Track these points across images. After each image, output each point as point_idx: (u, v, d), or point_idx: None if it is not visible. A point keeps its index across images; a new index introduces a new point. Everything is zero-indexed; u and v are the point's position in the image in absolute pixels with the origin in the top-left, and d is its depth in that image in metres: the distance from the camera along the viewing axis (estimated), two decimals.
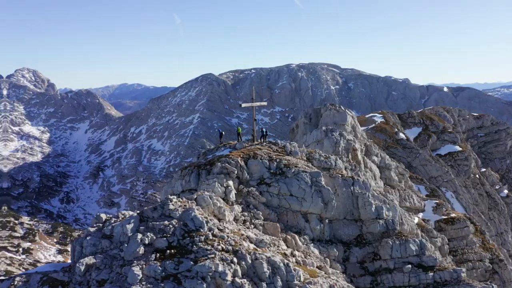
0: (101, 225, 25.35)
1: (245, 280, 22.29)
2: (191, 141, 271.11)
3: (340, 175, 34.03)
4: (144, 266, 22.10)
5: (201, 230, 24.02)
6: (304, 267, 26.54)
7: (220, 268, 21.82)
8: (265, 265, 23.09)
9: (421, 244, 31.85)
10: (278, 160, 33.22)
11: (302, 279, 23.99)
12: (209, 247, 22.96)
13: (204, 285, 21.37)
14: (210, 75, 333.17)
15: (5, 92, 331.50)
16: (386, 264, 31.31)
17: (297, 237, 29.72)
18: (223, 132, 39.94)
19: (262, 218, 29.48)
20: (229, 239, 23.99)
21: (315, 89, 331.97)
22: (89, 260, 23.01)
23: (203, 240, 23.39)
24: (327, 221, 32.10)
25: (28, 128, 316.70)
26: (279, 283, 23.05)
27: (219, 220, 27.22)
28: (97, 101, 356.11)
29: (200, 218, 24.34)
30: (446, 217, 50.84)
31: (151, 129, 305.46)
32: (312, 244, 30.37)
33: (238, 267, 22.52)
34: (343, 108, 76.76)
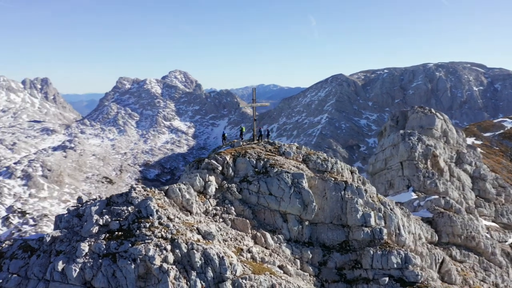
0: (80, 205, 29.24)
1: (173, 266, 24.35)
2: (318, 140, 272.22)
3: (333, 179, 33.74)
4: (92, 243, 25.36)
5: (150, 217, 26.55)
6: (256, 264, 27.56)
7: (151, 253, 24.18)
8: (198, 255, 24.83)
9: (406, 258, 30.36)
10: (266, 159, 34.16)
11: (238, 273, 25.22)
12: (149, 233, 25.43)
13: (133, 266, 23.95)
14: (340, 75, 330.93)
15: (160, 91, 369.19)
16: (366, 273, 30.50)
17: (268, 235, 30.60)
18: (226, 134, 41.69)
19: (235, 213, 30.92)
20: (173, 228, 26.13)
21: (455, 90, 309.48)
22: (56, 233, 27.05)
23: (147, 226, 25.91)
24: (307, 223, 32.20)
25: (177, 123, 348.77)
26: (210, 273, 24.65)
27: (187, 211, 29.51)
28: (235, 100, 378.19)
29: (152, 207, 26.89)
30: None
31: (281, 128, 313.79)
32: (285, 244, 30.95)
33: (170, 254, 24.61)
34: (433, 111, 72.69)
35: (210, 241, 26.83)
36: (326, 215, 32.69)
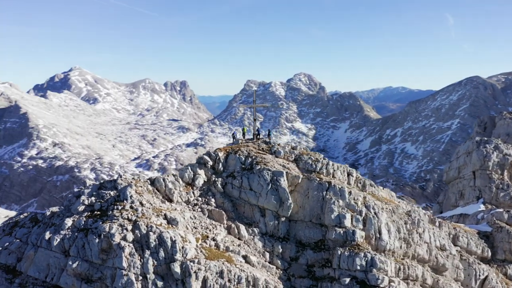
0: (82, 187, 34.33)
1: (130, 244, 28.17)
2: (446, 147, 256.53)
3: (318, 179, 34.56)
4: (76, 219, 30.17)
5: (125, 201, 30.62)
6: (216, 251, 30.09)
7: (113, 231, 28.27)
8: (153, 237, 28.31)
9: (371, 261, 30.31)
10: (254, 157, 36.03)
11: (189, 256, 28.20)
12: (118, 214, 29.52)
13: (97, 240, 28.22)
14: (476, 77, 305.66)
15: (283, 93, 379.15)
16: (334, 273, 31.11)
17: (242, 227, 32.78)
18: (236, 134, 43.79)
19: (214, 205, 33.60)
20: (140, 212, 29.85)
21: None
22: (55, 209, 32.48)
23: (119, 209, 30.04)
24: (283, 219, 33.55)
25: (298, 125, 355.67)
26: (162, 254, 28.01)
27: (169, 199, 33.02)
28: (358, 103, 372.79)
29: (128, 193, 30.94)
30: None
31: (406, 132, 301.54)
32: (259, 237, 32.82)
33: (129, 234, 28.45)
34: None
35: (174, 226, 29.99)
36: (306, 213, 33.79)
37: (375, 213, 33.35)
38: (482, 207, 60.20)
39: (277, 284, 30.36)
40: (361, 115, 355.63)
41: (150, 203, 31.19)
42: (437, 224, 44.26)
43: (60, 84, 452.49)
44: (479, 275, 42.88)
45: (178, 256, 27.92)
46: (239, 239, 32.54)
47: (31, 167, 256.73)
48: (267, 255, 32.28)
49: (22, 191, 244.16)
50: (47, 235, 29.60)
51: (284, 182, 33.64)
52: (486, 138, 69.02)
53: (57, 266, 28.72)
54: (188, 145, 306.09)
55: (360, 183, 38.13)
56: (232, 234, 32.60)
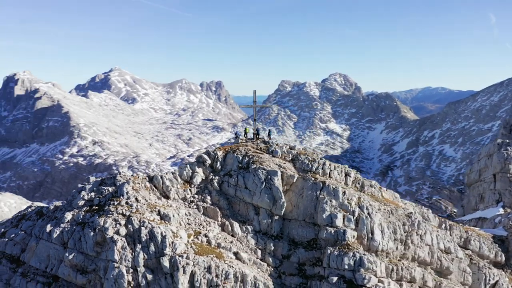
0: (86, 183, 35.93)
1: (123, 238, 29.50)
2: None
3: (313, 179, 34.90)
4: (75, 213, 31.76)
5: (121, 197, 31.99)
6: (207, 247, 31.01)
7: (107, 225, 29.72)
8: (145, 231, 29.58)
9: (360, 261, 30.45)
10: (251, 156, 36.66)
11: (178, 251, 29.26)
12: (113, 209, 30.93)
13: (92, 234, 29.67)
14: None
15: (317, 93, 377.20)
16: (324, 272, 31.43)
17: (236, 224, 33.56)
18: (239, 135, 44.21)
19: (210, 202, 34.50)
20: (134, 207, 31.12)
21: None
22: (58, 203, 34.19)
23: (115, 204, 31.45)
24: (276, 217, 34.08)
25: (332, 125, 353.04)
26: (153, 248, 29.23)
27: (166, 196, 34.17)
28: (395, 103, 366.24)
29: (124, 189, 32.31)
30: None
31: (444, 134, 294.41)
32: (252, 234, 33.50)
33: (122, 228, 29.80)
34: None
35: (167, 222, 31.09)
36: (300, 212, 34.22)
37: (368, 213, 33.43)
38: (501, 211, 58.63)
39: (266, 281, 30.95)
40: (397, 116, 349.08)
41: (145, 199, 32.43)
42: (443, 227, 43.79)
43: (100, 84, 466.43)
44: (489, 280, 42.08)
45: (168, 250, 28.99)
46: (232, 236, 33.32)
47: (72, 164, 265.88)
48: (259, 252, 32.91)
49: (63, 188, 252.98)
50: (48, 228, 31.31)
51: (277, 181, 34.19)
52: (508, 141, 67.11)
53: (56, 257, 30.36)
54: (222, 145, 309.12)
55: (358, 183, 38.22)
56: (225, 231, 33.43)
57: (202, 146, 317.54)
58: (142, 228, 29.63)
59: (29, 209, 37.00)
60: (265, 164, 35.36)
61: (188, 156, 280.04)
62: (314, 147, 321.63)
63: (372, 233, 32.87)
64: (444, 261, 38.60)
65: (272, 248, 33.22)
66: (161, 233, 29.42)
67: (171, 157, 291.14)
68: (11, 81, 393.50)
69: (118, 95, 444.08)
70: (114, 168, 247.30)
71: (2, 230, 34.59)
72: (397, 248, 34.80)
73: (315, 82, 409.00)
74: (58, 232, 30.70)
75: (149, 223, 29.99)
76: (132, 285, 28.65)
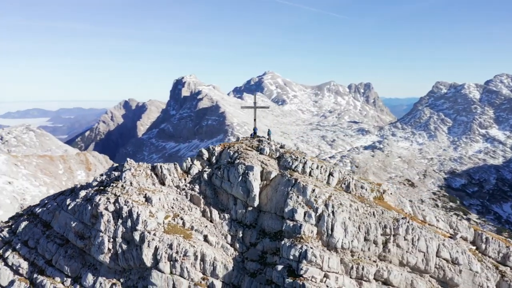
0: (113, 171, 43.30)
1: (109, 213, 36.14)
2: None
3: (288, 176, 37.30)
4: (88, 191, 39.37)
5: (119, 181, 38.56)
6: (179, 228, 36.02)
7: (100, 202, 36.59)
8: (126, 209, 35.78)
9: (305, 253, 32.31)
10: (240, 152, 40.13)
11: (149, 228, 34.91)
12: (109, 189, 37.70)
13: (89, 207, 36.84)
14: None
15: (478, 96, 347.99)
16: (278, 261, 34.04)
17: (215, 211, 37.84)
18: (255, 132, 46.76)
19: (197, 191, 39.17)
20: (125, 190, 37.48)
21: None
22: (79, 184, 41.98)
23: (113, 186, 38.24)
24: (250, 208, 37.30)
25: (494, 131, 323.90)
26: (129, 223, 35.29)
27: (162, 183, 39.87)
28: None
29: (124, 174, 38.81)
30: None
31: None
32: (227, 222, 37.42)
33: (111, 205, 36.48)
34: None
35: (149, 204, 36.79)
36: (272, 205, 37.05)
37: (332, 211, 34.91)
38: None
39: (226, 262, 34.79)
40: None
41: (138, 184, 38.59)
42: (457, 237, 42.18)
43: (254, 86, 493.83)
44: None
45: (140, 227, 34.69)
46: (210, 221, 37.71)
47: None
48: (229, 238, 36.75)
49: None
50: (68, 201, 39.30)
51: (252, 176, 37.51)
52: None
53: (68, 225, 38.06)
54: (366, 148, 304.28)
55: (344, 183, 39.43)
56: (205, 217, 37.96)
57: (345, 148, 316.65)
58: (124, 206, 35.77)
59: (46, 200, 45.73)
60: (248, 160, 38.90)
61: (330, 157, 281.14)
62: (470, 154, 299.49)
63: (332, 230, 34.38)
64: (448, 271, 37.92)
65: (241, 235, 36.80)
66: (137, 212, 35.21)
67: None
68: (179, 83, 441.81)
69: (269, 97, 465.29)
70: None
71: (46, 201, 43.68)
72: (369, 249, 35.57)
73: (476, 84, 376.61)
74: (72, 205, 38.47)
75: (132, 203, 36.03)
76: (111, 252, 35.03)
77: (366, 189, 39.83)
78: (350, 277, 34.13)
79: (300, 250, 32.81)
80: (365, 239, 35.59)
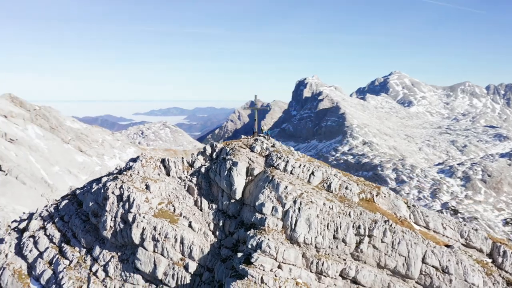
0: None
1: (115, 196, 42.30)
2: None
3: (269, 172, 39.84)
4: (108, 178, 46.10)
5: (130, 170, 44.56)
6: (168, 214, 40.92)
7: (109, 186, 43.09)
8: (126, 194, 41.70)
9: (260, 243, 34.85)
10: (235, 149, 43.39)
11: (141, 211, 40.44)
12: (120, 177, 43.94)
13: (102, 190, 43.50)
14: None
15: None
16: (246, 250, 37.09)
17: (205, 202, 41.99)
18: (255, 131, 48.96)
19: (195, 182, 43.51)
20: (131, 177, 43.35)
21: None
22: (106, 174, 48.92)
23: (124, 174, 44.34)
24: (233, 200, 40.61)
25: None
26: (126, 206, 41.22)
27: (168, 174, 45.02)
28: None
29: (134, 165, 44.70)
30: None
31: None
32: (213, 211, 41.32)
33: (116, 190, 42.73)
34: None
35: (148, 190, 42.18)
36: (252, 199, 40.02)
37: (298, 208, 36.95)
38: None
39: (204, 247, 38.89)
40: None
41: (144, 173, 44.18)
42: (454, 247, 41.01)
43: (379, 87, 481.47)
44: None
45: (133, 209, 40.30)
46: (200, 210, 41.96)
47: (342, 161, 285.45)
48: (212, 226, 40.65)
49: None
50: (93, 185, 46.42)
51: (235, 171, 40.90)
52: None
53: (90, 205, 45.08)
54: (502, 155, 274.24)
55: (326, 183, 40.85)
56: (196, 206, 42.30)
57: (478, 155, 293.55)
58: (126, 191, 41.65)
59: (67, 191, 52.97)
60: (237, 157, 42.35)
61: (459, 164, 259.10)
62: None
63: (295, 225, 36.49)
64: (436, 279, 37.92)
65: (221, 224, 40.48)
66: (134, 197, 40.82)
67: (439, 164, 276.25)
68: (301, 84, 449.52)
69: (394, 98, 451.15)
70: (379, 169, 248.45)
71: (86, 184, 51.54)
72: (337, 247, 36.95)
73: None
74: (95, 188, 45.49)
75: (132, 189, 41.78)
76: (112, 229, 41.14)
77: (350, 190, 40.84)
78: (310, 271, 35.97)
79: (258, 241, 35.57)
80: (334, 237, 36.99)
